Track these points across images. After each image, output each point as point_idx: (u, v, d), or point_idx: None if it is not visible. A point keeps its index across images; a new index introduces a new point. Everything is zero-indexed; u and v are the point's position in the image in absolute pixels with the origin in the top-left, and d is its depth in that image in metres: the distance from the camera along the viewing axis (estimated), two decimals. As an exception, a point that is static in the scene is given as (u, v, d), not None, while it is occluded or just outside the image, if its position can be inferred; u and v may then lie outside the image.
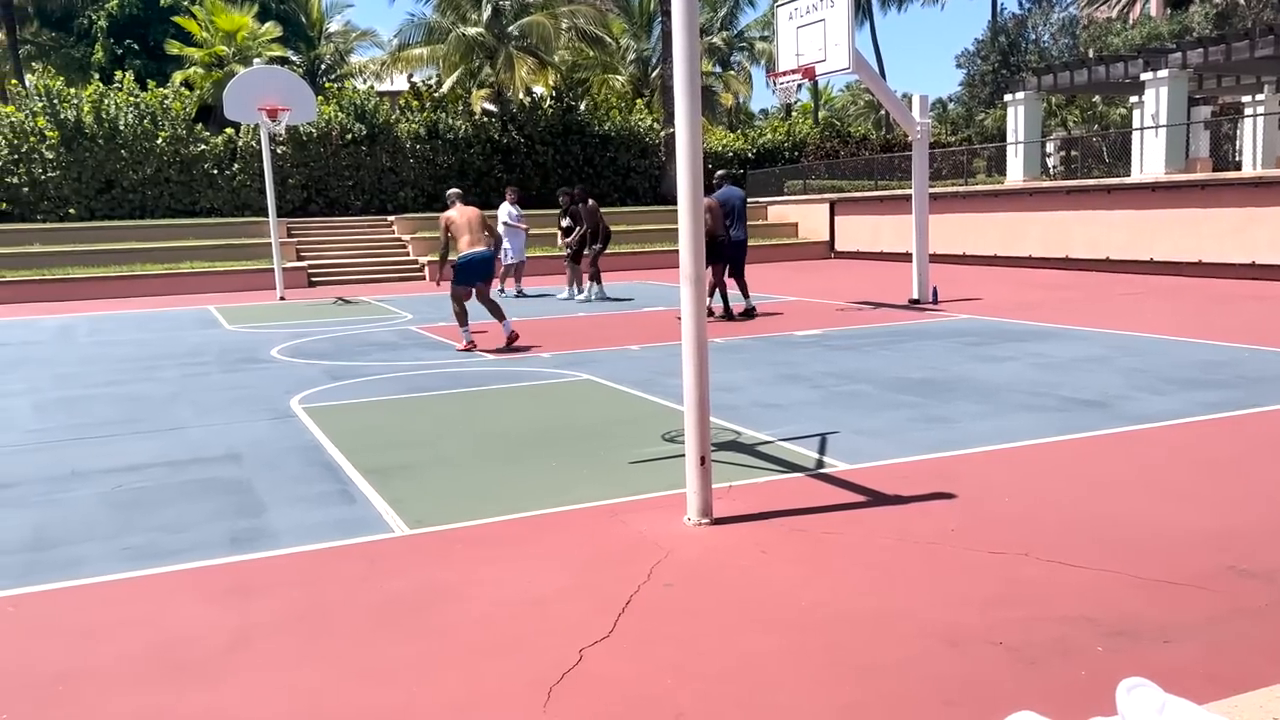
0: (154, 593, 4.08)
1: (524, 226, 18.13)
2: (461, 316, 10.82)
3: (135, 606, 3.93)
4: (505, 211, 17.94)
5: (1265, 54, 20.48)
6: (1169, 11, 41.68)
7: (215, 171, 26.04)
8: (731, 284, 12.88)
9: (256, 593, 4.02)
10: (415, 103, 29.89)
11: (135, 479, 5.82)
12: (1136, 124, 24.78)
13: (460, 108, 30.14)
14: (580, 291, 16.35)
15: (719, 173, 13.44)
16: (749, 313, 12.88)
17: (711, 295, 12.92)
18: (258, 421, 7.36)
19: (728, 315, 12.64)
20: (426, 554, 4.42)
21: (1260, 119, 24.93)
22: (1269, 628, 3.38)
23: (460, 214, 10.84)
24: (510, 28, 32.45)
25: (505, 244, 16.81)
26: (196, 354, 11.23)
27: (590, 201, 16.52)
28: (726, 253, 12.43)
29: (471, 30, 32.15)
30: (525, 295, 17.33)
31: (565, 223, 16.67)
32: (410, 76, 33.43)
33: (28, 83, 30.05)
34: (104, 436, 7.03)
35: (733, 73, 47.68)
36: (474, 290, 10.86)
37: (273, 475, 5.80)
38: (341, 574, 4.20)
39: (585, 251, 16.25)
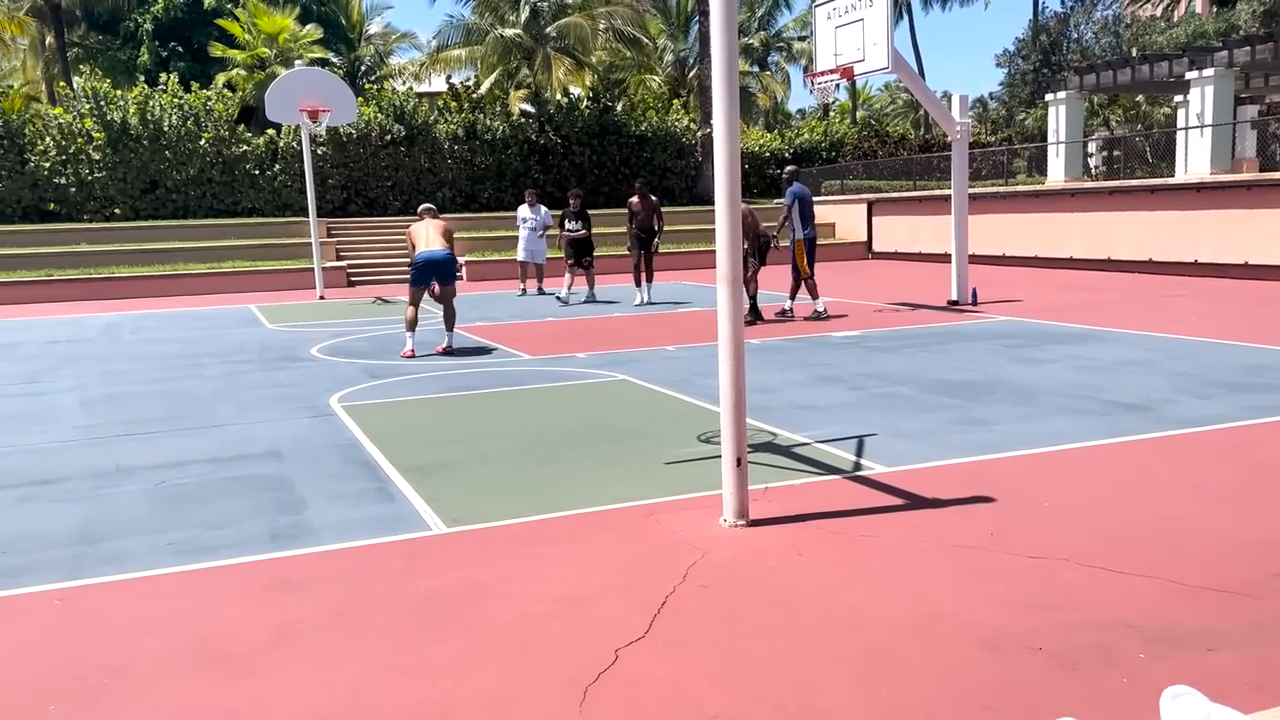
0: (197, 588, 4.14)
1: (536, 227, 18.20)
2: (410, 323, 10.85)
3: (179, 601, 4.00)
4: (521, 213, 18.42)
5: (1315, 52, 20.08)
6: (1215, 9, 40.95)
7: (257, 172, 26.38)
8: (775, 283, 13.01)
9: (297, 588, 4.07)
10: (453, 104, 30.10)
11: (179, 475, 5.91)
12: (1181, 123, 24.41)
13: (498, 108, 30.30)
14: (569, 293, 16.19)
15: (789, 168, 13.48)
16: (818, 314, 12.75)
17: (793, 296, 13.02)
18: (298, 419, 7.45)
19: (765, 316, 12.65)
20: (464, 552, 4.46)
21: (1310, 118, 24.43)
22: (1317, 637, 3.32)
23: (422, 225, 11.23)
24: (548, 29, 32.57)
25: (520, 244, 18.19)
26: (238, 352, 11.39)
27: (653, 198, 15.80)
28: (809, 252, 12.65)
29: (509, 31, 32.30)
30: (556, 298, 16.71)
31: (571, 225, 16.36)
32: (449, 77, 33.67)
33: (75, 85, 30.66)
34: (149, 433, 7.15)
35: (770, 73, 47.50)
36: (432, 290, 11.04)
37: (313, 473, 5.87)
38: (380, 571, 4.24)
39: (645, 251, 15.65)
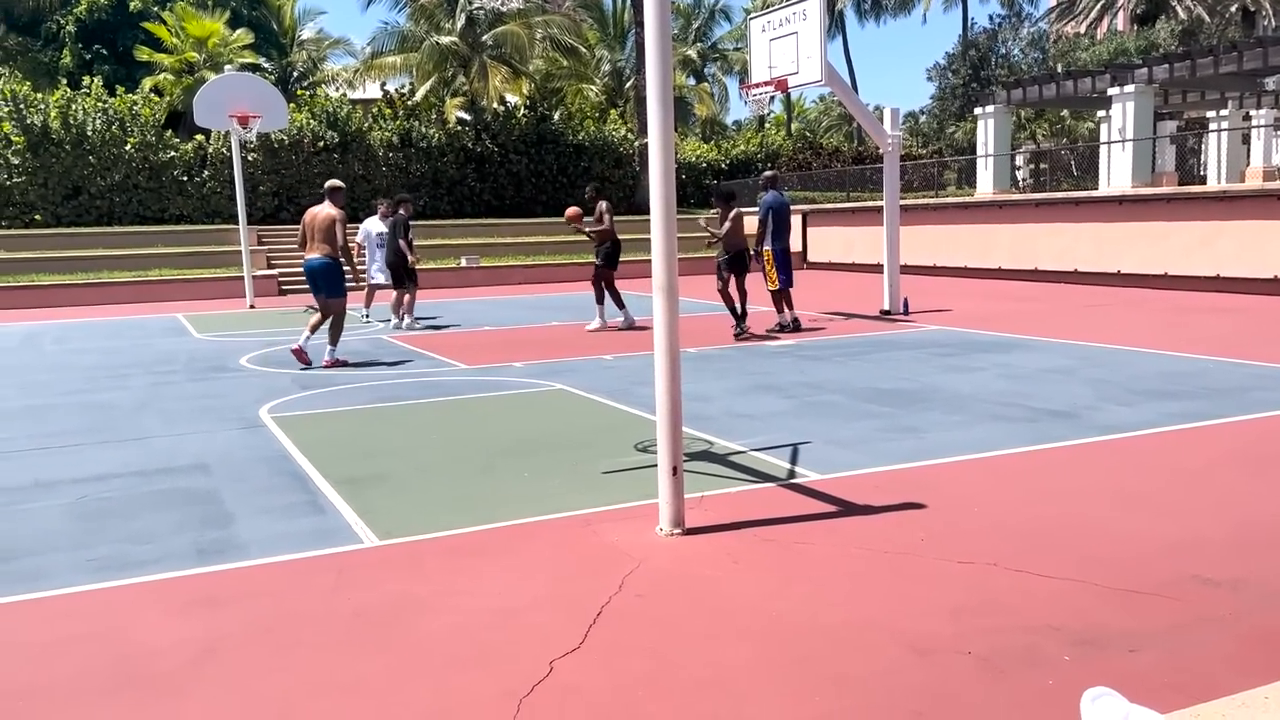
0: (119, 605, 4.02)
1: (362, 243, 15.67)
2: (313, 326, 10.38)
3: (98, 620, 3.88)
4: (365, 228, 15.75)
5: (1229, 70, 20.85)
6: (1136, 28, 42.35)
7: (185, 178, 25.81)
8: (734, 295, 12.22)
9: (223, 604, 3.98)
10: (388, 111, 29.79)
11: (100, 489, 5.74)
12: (1104, 138, 25.13)
13: (434, 116, 30.07)
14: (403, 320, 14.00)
15: (766, 174, 12.77)
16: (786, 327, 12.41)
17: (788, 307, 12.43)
18: (226, 431, 7.29)
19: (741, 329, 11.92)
20: (397, 565, 4.39)
21: (1224, 134, 25.34)
22: (1232, 636, 3.42)
23: (308, 214, 10.36)
24: (484, 37, 32.43)
25: (365, 262, 15.22)
26: (164, 362, 11.11)
27: (604, 203, 13.17)
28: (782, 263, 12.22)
29: (445, 39, 32.10)
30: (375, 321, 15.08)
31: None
32: (383, 84, 33.31)
33: (-6, 87, 29.64)
34: (69, 446, 6.94)
35: (706, 85, 47.89)
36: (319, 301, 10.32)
37: (241, 486, 5.74)
38: (310, 585, 4.16)
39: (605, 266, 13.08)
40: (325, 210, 10.34)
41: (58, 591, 4.16)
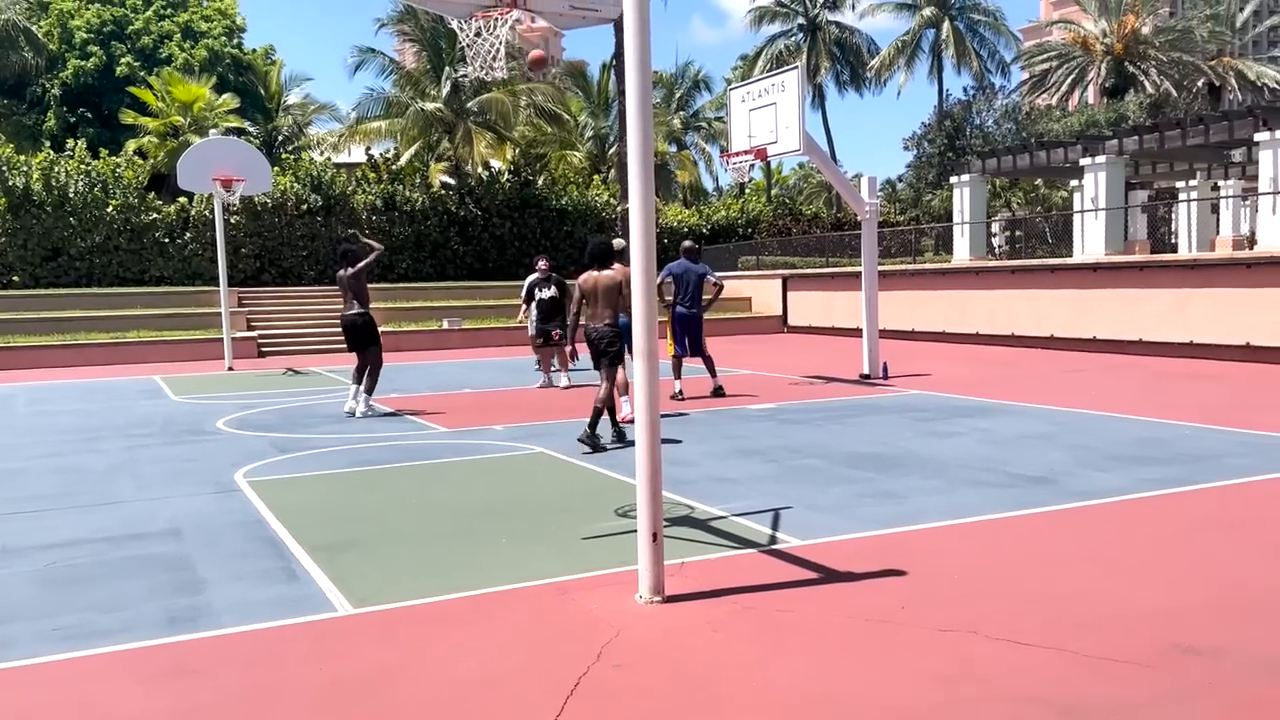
0: (87, 675, 3.93)
1: None
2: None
3: (66, 690, 3.78)
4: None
5: (1196, 142, 21.36)
6: (1106, 100, 43.41)
7: (166, 240, 25.87)
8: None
9: (195, 674, 3.89)
10: (372, 174, 30.06)
11: (69, 555, 5.64)
12: (1077, 207, 25.59)
13: (418, 180, 30.35)
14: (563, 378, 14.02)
15: (684, 244, 12.75)
16: (718, 391, 12.29)
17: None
18: (200, 496, 7.20)
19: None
20: (372, 633, 4.32)
21: (1194, 204, 25.88)
22: (1212, 706, 3.40)
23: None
24: (469, 104, 32.90)
25: None
26: (140, 425, 11.00)
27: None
28: (674, 328, 12.22)
29: (430, 105, 32.54)
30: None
31: (550, 292, 13.90)
32: (368, 149, 33.67)
33: (-23, 149, 29.71)
34: (38, 511, 6.83)
35: (688, 152, 48.62)
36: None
37: (214, 552, 5.66)
38: (285, 654, 4.08)
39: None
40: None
41: (22, 662, 4.06)
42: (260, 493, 7.21)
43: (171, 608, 4.68)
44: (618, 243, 11.87)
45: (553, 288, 13.90)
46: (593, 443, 8.58)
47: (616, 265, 9.08)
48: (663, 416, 10.33)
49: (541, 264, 14.46)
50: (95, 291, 23.89)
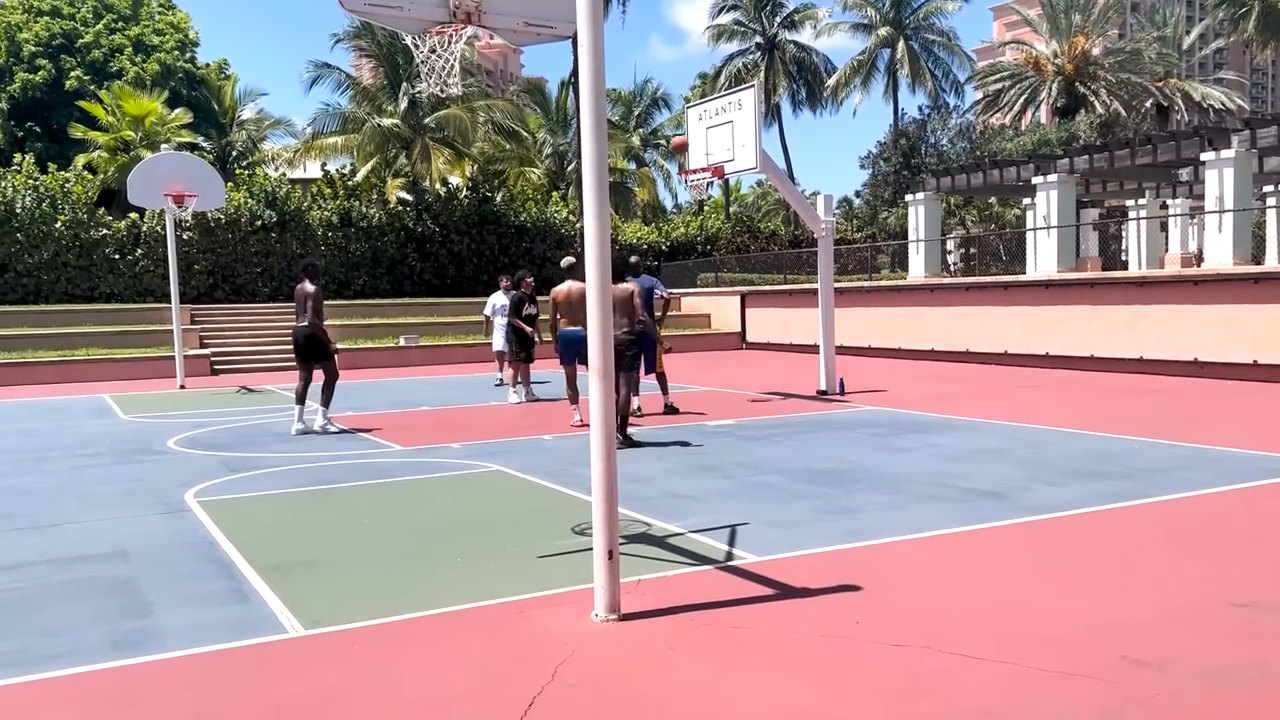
0: (26, 703, 3.82)
1: None
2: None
3: (4, 718, 3.68)
4: None
5: (1145, 162, 21.82)
6: (1057, 120, 44.28)
7: (117, 256, 25.44)
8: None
9: (140, 700, 3.80)
10: (328, 190, 29.81)
11: (10, 579, 5.50)
12: (1030, 224, 26.03)
13: (374, 196, 30.15)
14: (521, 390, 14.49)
15: (631, 259, 12.43)
16: (669, 409, 12.27)
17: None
18: (149, 516, 7.06)
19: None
20: (323, 655, 4.25)
21: (1144, 222, 26.43)
22: (1160, 717, 3.45)
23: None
24: (427, 119, 32.77)
25: None
26: (87, 445, 10.78)
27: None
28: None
29: (387, 121, 32.37)
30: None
31: (534, 309, 14.52)
32: (324, 165, 33.38)
33: (-79, 163, 29.13)
34: (-19, 533, 6.65)
35: (648, 169, 48.82)
36: None
37: (162, 574, 5.54)
38: (233, 678, 4.00)
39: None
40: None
41: (-41, 689, 3.95)
42: (211, 513, 7.09)
43: (116, 631, 4.58)
44: (565, 261, 12.11)
45: (534, 306, 14.59)
46: (630, 443, 9.63)
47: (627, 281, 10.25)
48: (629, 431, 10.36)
49: (530, 280, 14.78)
50: (43, 309, 23.43)
